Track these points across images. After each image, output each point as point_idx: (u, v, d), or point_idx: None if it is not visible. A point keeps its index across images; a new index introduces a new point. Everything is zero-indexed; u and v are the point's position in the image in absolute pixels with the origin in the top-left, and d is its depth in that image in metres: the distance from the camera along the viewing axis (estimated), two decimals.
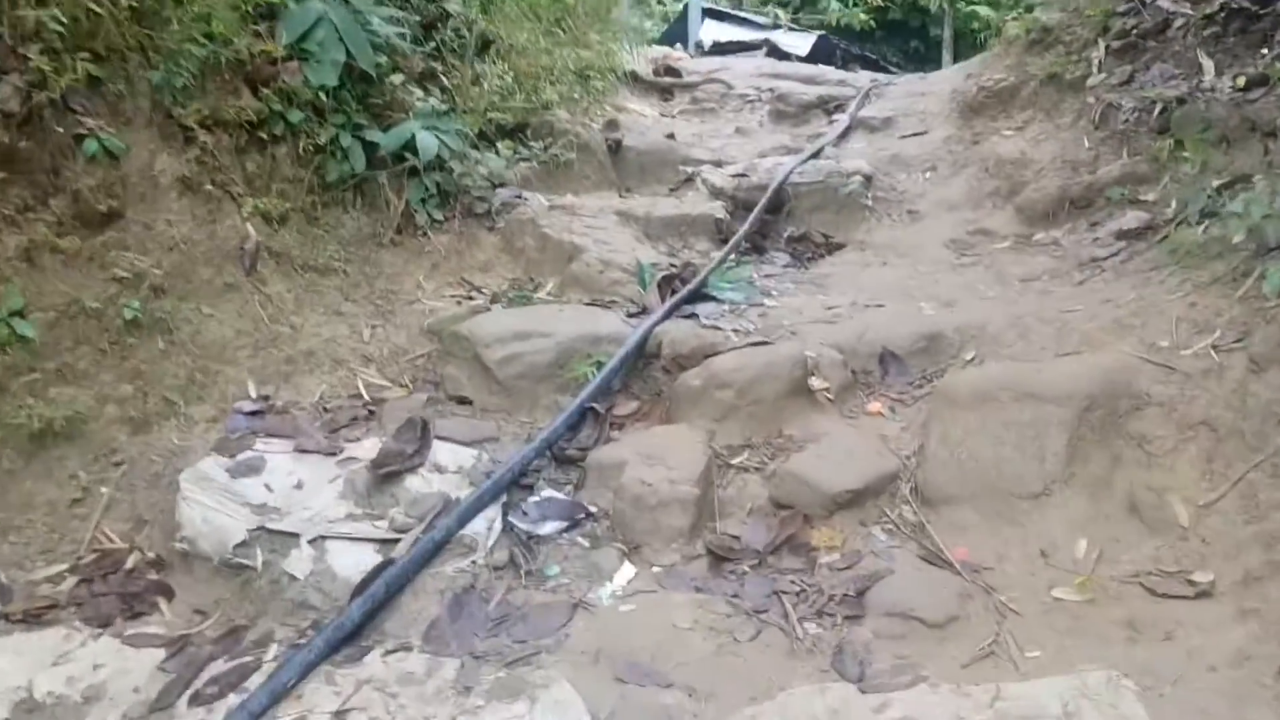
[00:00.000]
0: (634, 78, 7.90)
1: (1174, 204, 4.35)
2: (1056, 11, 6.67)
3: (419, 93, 4.85)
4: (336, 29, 4.41)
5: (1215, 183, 4.22)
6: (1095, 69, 5.75)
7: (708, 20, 15.82)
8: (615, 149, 5.81)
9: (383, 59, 4.67)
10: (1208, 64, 5.28)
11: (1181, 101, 4.98)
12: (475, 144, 5.36)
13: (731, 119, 7.46)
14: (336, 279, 4.27)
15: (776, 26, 15.61)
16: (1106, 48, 5.81)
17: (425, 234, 4.66)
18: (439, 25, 5.56)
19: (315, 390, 3.73)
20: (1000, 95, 6.04)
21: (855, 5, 24.06)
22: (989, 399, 3.05)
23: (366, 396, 3.72)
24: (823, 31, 15.91)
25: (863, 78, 8.52)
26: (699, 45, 15.56)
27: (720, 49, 15.54)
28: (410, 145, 4.59)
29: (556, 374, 3.72)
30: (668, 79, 8.12)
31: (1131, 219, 4.41)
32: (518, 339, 3.76)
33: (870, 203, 5.41)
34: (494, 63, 5.78)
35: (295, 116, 4.29)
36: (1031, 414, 2.97)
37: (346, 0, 4.51)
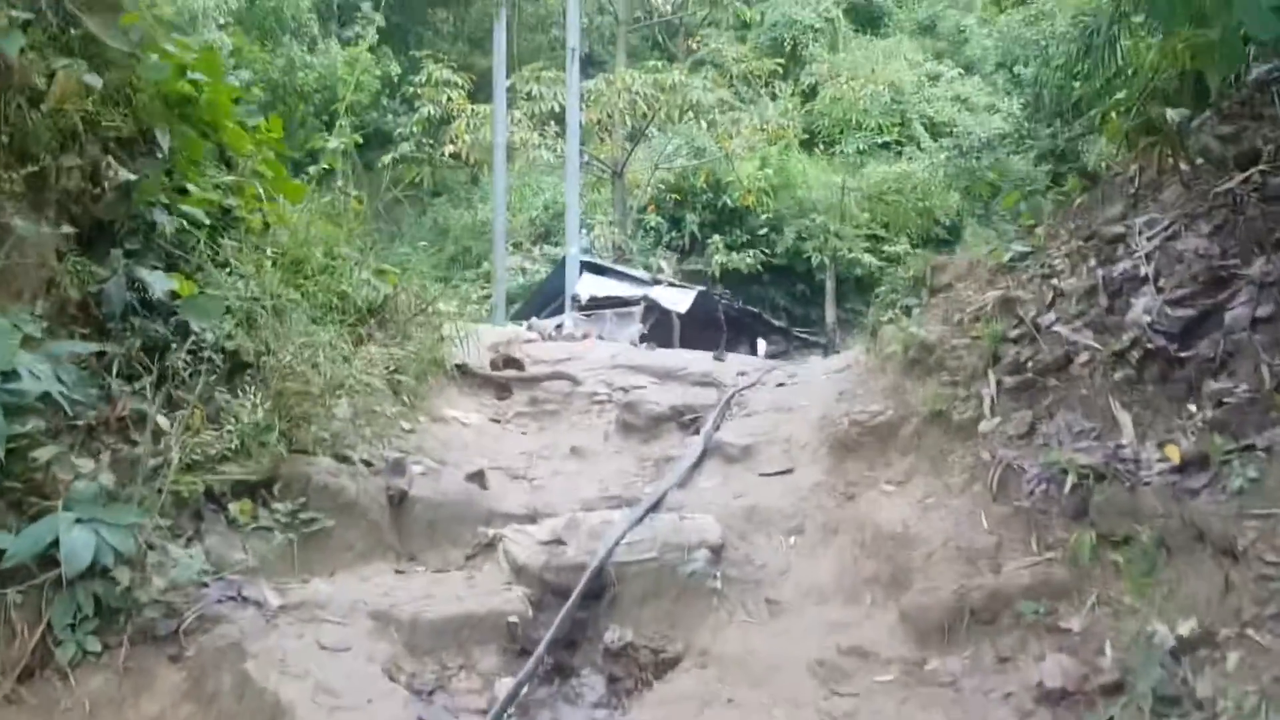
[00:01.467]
0: (463, 372, 6.67)
1: (1110, 653, 3.10)
2: (937, 325, 5.68)
3: (88, 464, 3.43)
4: None
5: (1167, 631, 2.99)
6: (988, 410, 4.66)
7: (586, 274, 15.08)
8: (399, 500, 4.43)
9: (33, 424, 3.28)
10: (1124, 418, 4.21)
11: (1100, 477, 3.84)
12: (201, 510, 3.96)
13: (572, 428, 6.22)
14: None
15: (656, 281, 14.90)
16: (999, 383, 4.74)
17: (67, 676, 3.14)
18: (171, 349, 4.23)
19: None
20: (878, 433, 4.89)
21: (742, 250, 24.00)
22: None
23: None
24: (703, 288, 15.23)
25: (730, 369, 7.44)
26: (576, 299, 14.74)
27: (597, 304, 14.74)
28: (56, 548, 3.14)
29: None
30: (508, 372, 6.91)
31: (1054, 668, 3.13)
32: None
33: (719, 585, 4.09)
34: (246, 391, 4.44)
35: None
36: None
37: None
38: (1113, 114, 6.77)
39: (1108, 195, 6.02)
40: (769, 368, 7.46)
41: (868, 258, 25.24)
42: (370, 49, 24.10)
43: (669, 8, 21.38)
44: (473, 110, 18.00)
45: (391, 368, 5.88)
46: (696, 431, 5.78)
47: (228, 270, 4.92)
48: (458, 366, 6.62)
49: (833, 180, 21.23)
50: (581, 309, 14.28)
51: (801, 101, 22.77)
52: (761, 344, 13.99)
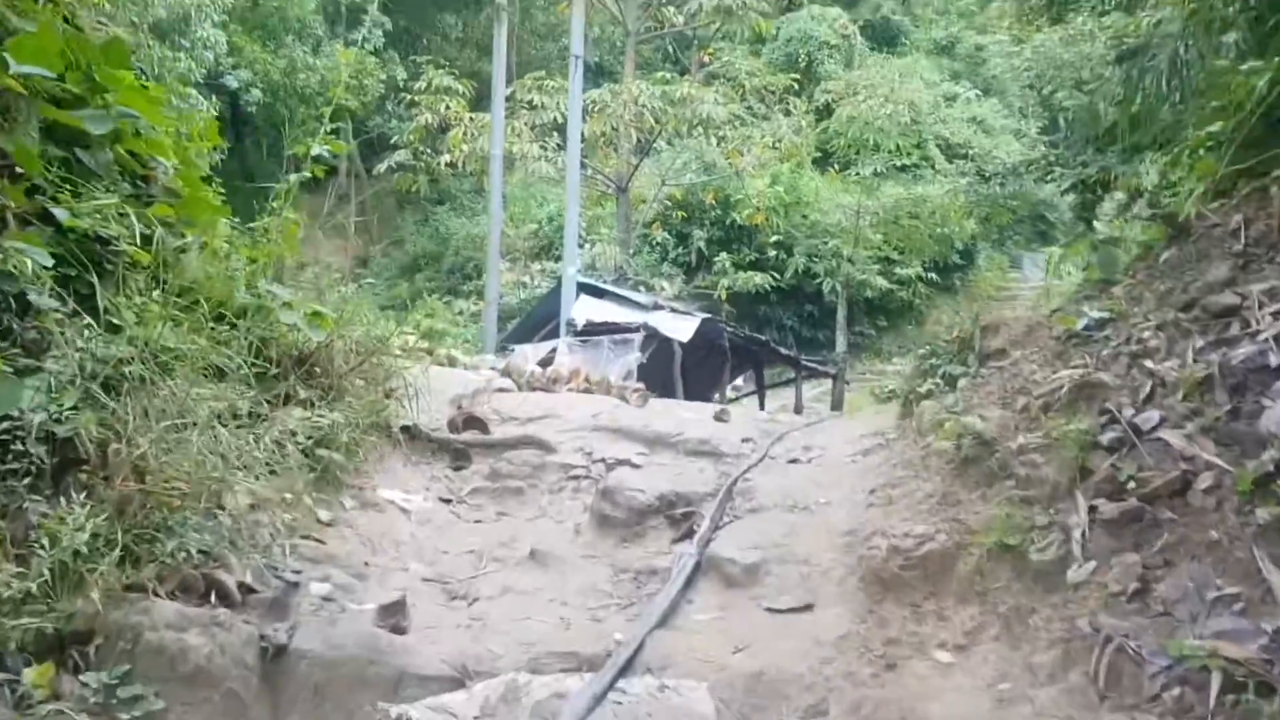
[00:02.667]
0: (412, 436, 5.43)
1: None
2: (994, 409, 4.43)
3: None
4: None
5: None
6: (1077, 549, 3.39)
7: (583, 297, 13.79)
8: (275, 655, 3.17)
9: None
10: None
11: (1267, 688, 2.58)
12: None
13: (540, 515, 4.98)
14: None
15: (658, 306, 13.61)
16: (1092, 511, 3.47)
17: None
18: None
19: None
20: (926, 566, 3.62)
21: (750, 269, 22.71)
22: None
23: None
24: (707, 314, 13.91)
25: (733, 433, 6.18)
26: (571, 325, 13.46)
27: (594, 329, 13.45)
28: None
29: None
30: (469, 435, 5.66)
31: None
32: None
33: None
34: (76, 496, 3.18)
35: None
36: None
37: None
38: (1200, 150, 5.53)
39: (1204, 251, 4.76)
40: (779, 434, 6.20)
41: (880, 280, 23.97)
42: (375, 52, 22.93)
43: (681, 19, 20.10)
44: (471, 119, 16.74)
45: (315, 437, 4.64)
46: (689, 533, 4.53)
47: (85, 325, 3.68)
48: (405, 429, 5.38)
49: (846, 201, 19.90)
50: (577, 334, 13.02)
51: (816, 119, 21.50)
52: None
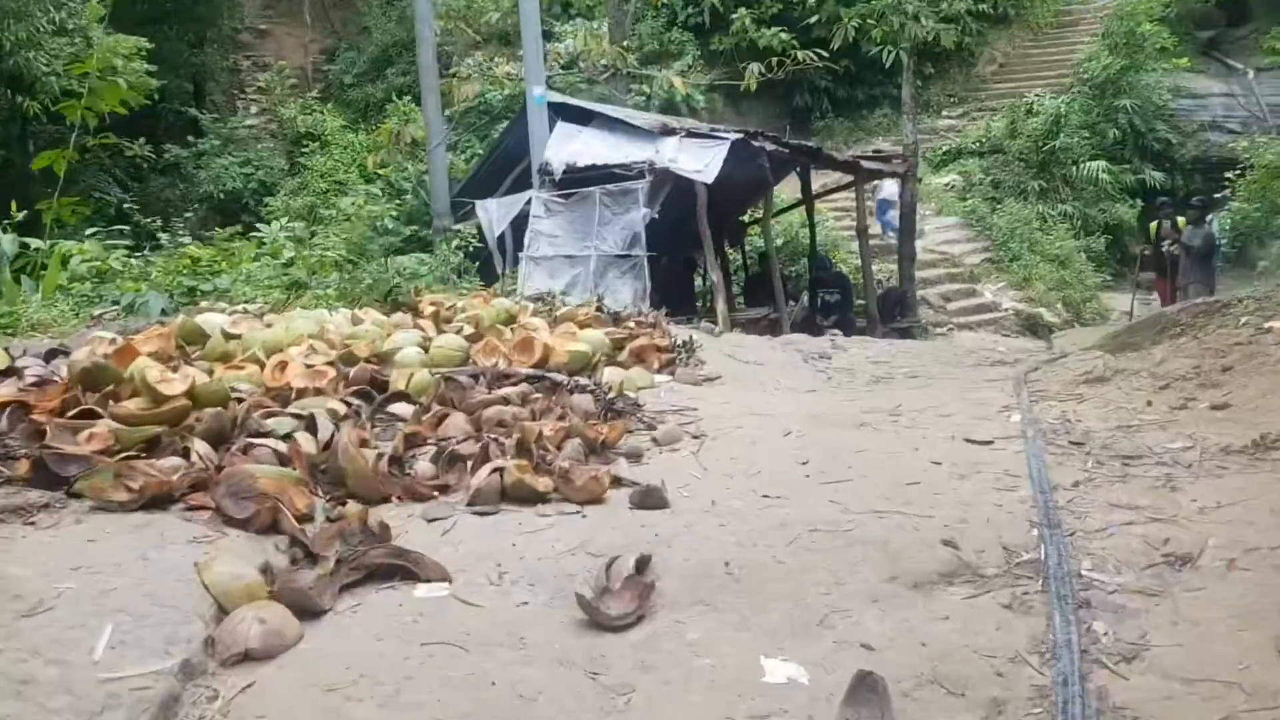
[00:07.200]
0: None
1: None
2: None
3: None
4: None
5: None
6: None
7: (560, 126, 8.74)
8: None
9: None
10: None
11: None
12: None
13: None
14: None
15: (669, 132, 8.60)
16: None
17: None
18: None
19: None
20: None
21: (775, 25, 17.13)
22: None
23: None
24: (739, 134, 8.66)
25: None
26: (546, 172, 8.65)
27: (578, 177, 8.66)
28: None
29: None
30: None
31: None
32: None
33: None
34: None
35: None
36: None
37: None
38: None
39: None
40: None
41: (924, 22, 18.07)
42: None
43: None
44: None
45: None
46: None
47: None
48: None
49: None
50: (555, 186, 8.33)
51: None
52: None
